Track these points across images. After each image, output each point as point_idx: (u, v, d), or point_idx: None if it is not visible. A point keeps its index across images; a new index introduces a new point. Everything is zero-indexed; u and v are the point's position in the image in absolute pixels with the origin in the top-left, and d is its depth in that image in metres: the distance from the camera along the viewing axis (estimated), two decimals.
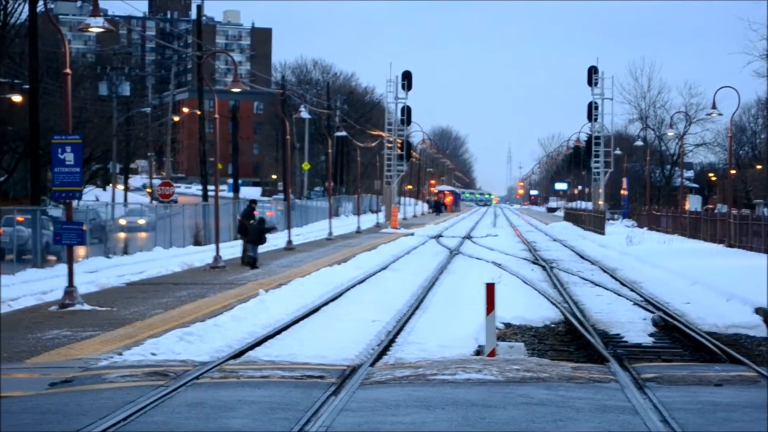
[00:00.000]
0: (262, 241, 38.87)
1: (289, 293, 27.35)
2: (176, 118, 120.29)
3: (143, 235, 47.16)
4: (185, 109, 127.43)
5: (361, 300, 27.28)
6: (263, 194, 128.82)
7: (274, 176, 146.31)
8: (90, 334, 19.93)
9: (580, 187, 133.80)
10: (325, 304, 25.97)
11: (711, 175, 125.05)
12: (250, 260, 37.97)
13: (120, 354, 17.42)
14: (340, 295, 28.29)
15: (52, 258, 37.92)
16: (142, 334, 19.82)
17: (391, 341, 19.64)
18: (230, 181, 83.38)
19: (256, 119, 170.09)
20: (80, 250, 38.69)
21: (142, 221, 47.70)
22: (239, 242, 46.25)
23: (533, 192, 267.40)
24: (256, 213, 40.08)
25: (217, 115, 39.58)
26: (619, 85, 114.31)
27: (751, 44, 71.82)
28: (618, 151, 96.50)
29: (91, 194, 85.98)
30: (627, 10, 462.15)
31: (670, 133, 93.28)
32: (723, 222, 54.62)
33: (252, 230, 38.14)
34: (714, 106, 59.50)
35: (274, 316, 22.52)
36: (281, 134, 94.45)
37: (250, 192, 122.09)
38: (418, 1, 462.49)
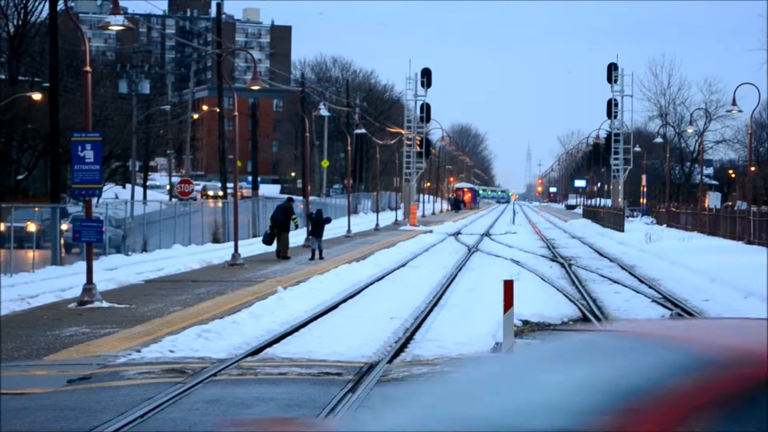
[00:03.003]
0: (321, 233, 41.06)
1: (307, 290, 27.37)
2: (196, 116, 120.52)
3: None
4: (205, 107, 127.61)
5: (379, 297, 27.27)
6: (281, 191, 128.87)
7: (293, 173, 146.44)
8: (108, 331, 20.01)
9: (599, 185, 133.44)
10: (344, 301, 25.99)
11: (731, 172, 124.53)
12: (312, 252, 40.52)
13: (138, 351, 17.48)
14: (359, 292, 28.30)
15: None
16: (161, 331, 19.88)
17: (409, 338, 19.60)
18: (249, 178, 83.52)
19: (276, 117, 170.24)
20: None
21: (64, 227, 39.96)
22: (258, 240, 46.79)
23: (552, 189, 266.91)
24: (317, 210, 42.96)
25: (236, 113, 39.63)
26: (638, 81, 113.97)
27: None
28: (637, 148, 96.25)
29: (111, 192, 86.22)
30: (647, 6, 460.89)
31: (690, 130, 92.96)
32: (742, 219, 54.42)
33: (314, 224, 41.11)
34: (734, 103, 59.33)
35: (292, 313, 22.55)
36: (300, 132, 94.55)
37: (268, 189, 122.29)
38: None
